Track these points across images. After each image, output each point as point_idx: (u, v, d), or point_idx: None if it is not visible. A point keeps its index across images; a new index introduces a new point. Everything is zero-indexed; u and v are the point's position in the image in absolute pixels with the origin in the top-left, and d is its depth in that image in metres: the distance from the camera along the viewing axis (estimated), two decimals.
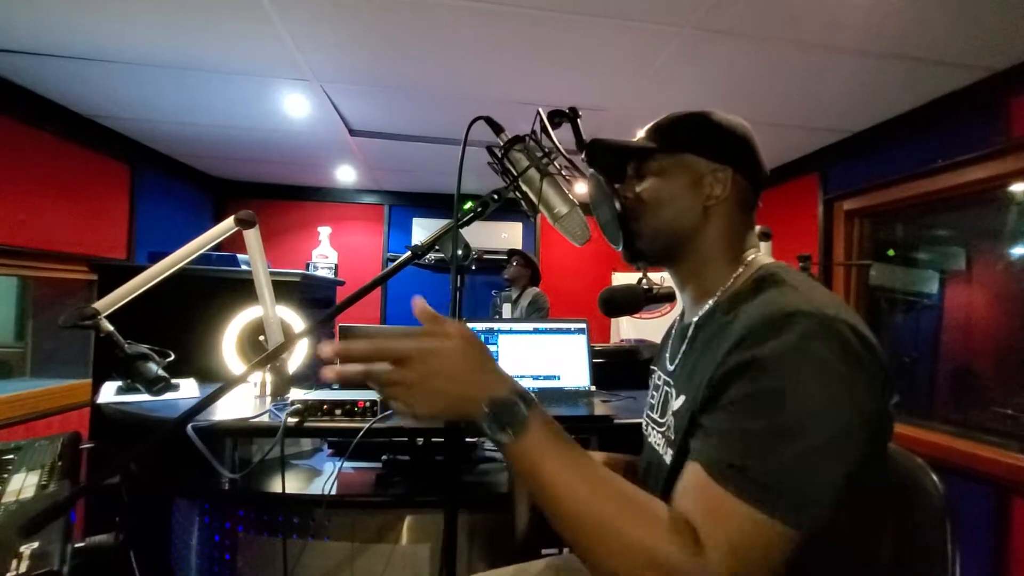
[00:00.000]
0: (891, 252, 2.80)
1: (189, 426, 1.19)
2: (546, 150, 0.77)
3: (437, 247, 0.76)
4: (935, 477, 0.69)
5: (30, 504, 0.88)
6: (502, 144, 0.78)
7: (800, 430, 0.52)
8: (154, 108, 2.58)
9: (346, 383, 0.56)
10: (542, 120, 0.77)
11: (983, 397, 2.25)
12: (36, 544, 0.72)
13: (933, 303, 2.56)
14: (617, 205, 0.75)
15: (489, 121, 0.80)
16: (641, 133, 0.81)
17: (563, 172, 0.80)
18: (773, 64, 1.93)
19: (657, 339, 0.96)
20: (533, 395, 0.58)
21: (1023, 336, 2.10)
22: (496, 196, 0.78)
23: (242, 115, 2.67)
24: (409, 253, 0.73)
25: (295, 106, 2.50)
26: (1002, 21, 1.61)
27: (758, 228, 1.79)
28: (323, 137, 2.99)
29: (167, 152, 3.39)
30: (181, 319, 1.79)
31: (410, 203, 4.53)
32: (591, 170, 0.81)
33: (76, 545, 0.87)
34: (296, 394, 1.47)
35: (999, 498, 1.93)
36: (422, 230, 4.47)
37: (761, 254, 0.78)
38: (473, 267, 4.39)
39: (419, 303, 0.60)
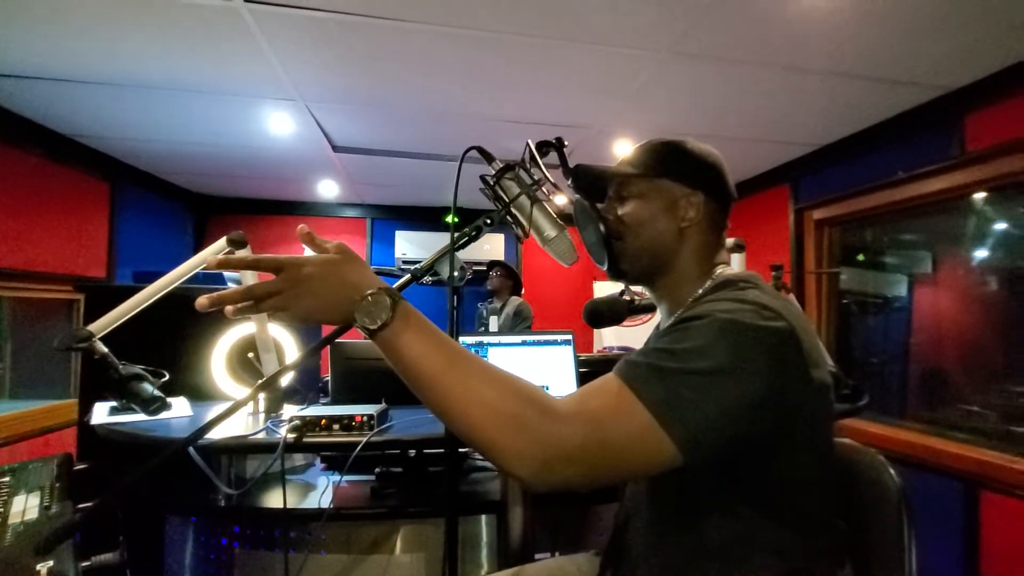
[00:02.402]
0: (861, 257, 2.93)
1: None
2: (535, 178, 0.83)
3: (435, 269, 0.81)
4: (892, 471, 0.76)
5: (37, 525, 0.90)
6: (494, 172, 0.84)
7: (684, 355, 0.62)
8: (138, 127, 2.58)
9: (222, 302, 0.60)
10: (532, 151, 0.83)
11: (951, 395, 2.36)
12: (51, 562, 0.75)
13: (902, 305, 2.68)
14: (602, 228, 0.82)
15: (481, 151, 0.86)
16: (624, 155, 0.88)
17: (552, 197, 0.86)
18: (743, 83, 2.03)
19: (639, 347, 1.02)
20: (403, 296, 0.64)
21: (988, 335, 2.22)
22: (489, 220, 0.83)
23: (227, 133, 2.69)
24: (409, 276, 0.78)
25: (280, 124, 2.53)
26: (955, 44, 1.73)
27: (732, 240, 1.86)
28: (306, 153, 3.02)
29: (147, 169, 3.38)
30: (169, 338, 1.79)
31: (393, 216, 4.57)
32: (577, 195, 0.87)
33: (83, 564, 0.89)
34: (290, 410, 1.49)
35: (968, 492, 2.03)
36: (405, 242, 4.50)
37: (730, 268, 0.84)
38: (464, 283, 4.42)
39: (301, 228, 0.66)
